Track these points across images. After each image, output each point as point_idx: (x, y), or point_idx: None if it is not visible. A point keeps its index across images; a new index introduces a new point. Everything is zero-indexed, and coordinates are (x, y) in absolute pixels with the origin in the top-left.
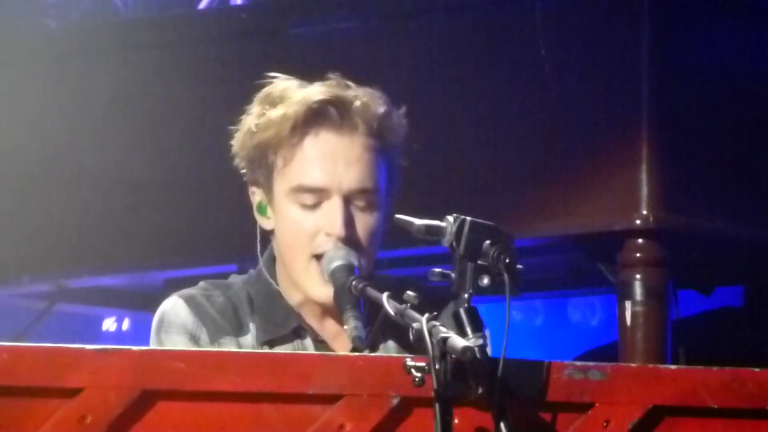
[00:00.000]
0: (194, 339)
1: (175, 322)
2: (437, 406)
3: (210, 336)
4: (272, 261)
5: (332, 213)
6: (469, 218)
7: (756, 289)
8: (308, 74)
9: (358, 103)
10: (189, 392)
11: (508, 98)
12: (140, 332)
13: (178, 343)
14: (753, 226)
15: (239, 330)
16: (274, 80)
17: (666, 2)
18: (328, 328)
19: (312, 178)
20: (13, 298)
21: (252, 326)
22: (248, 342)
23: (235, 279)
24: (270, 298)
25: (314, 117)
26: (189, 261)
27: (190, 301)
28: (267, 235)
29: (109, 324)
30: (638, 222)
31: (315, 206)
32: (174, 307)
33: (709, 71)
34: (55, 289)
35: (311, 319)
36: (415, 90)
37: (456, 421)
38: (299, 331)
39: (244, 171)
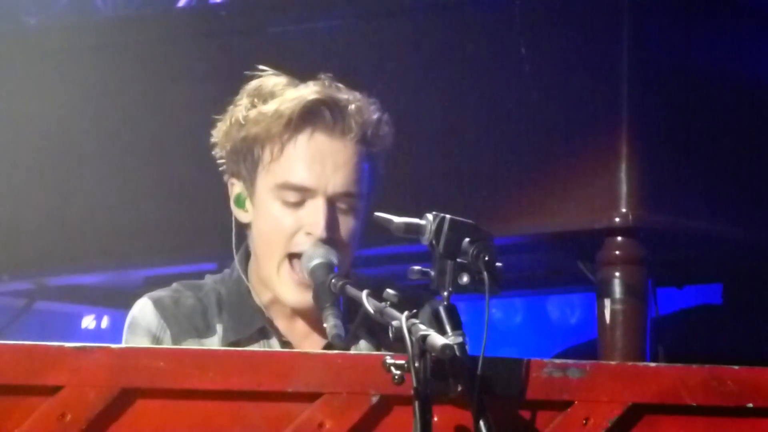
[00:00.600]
0: (157, 340)
1: (141, 324)
2: (417, 404)
3: (173, 338)
4: (246, 257)
5: (315, 214)
6: (448, 216)
7: (734, 286)
8: (288, 73)
9: (352, 107)
10: (168, 390)
11: (488, 97)
12: (119, 330)
13: (141, 344)
14: (732, 224)
15: (206, 331)
16: (263, 74)
17: (646, 0)
18: (296, 329)
19: (299, 177)
20: None
21: (219, 327)
22: (213, 343)
23: (209, 279)
24: (239, 297)
25: (308, 116)
26: (168, 259)
27: (157, 302)
28: (243, 230)
29: (88, 322)
30: (617, 220)
31: (298, 204)
32: (141, 308)
33: (690, 70)
34: (34, 287)
35: (280, 318)
36: (394, 89)
37: (435, 419)
38: (265, 331)
39: (222, 161)
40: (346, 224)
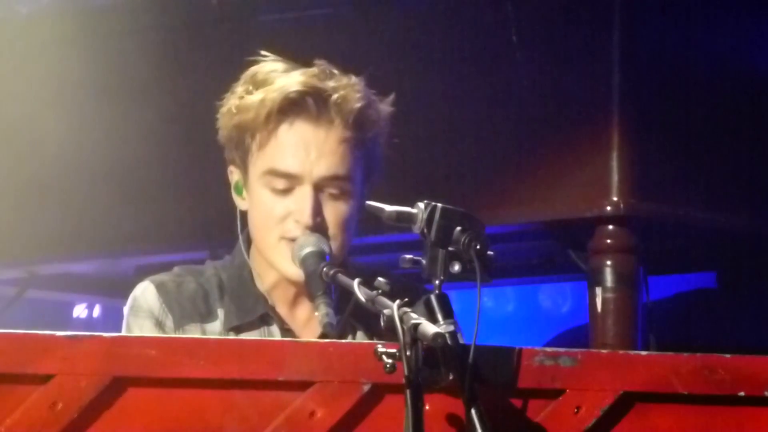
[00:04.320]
0: (160, 324)
1: (143, 307)
2: (408, 392)
3: (175, 322)
4: (249, 243)
5: (302, 201)
6: (440, 205)
7: (728, 274)
8: (286, 58)
9: (335, 96)
10: (160, 379)
11: (479, 85)
12: (111, 319)
13: (144, 327)
14: (724, 212)
15: (207, 316)
16: (263, 60)
17: None
18: (298, 316)
19: (284, 164)
20: None
21: (220, 312)
22: (215, 328)
23: (210, 264)
24: (241, 283)
25: (290, 106)
26: (160, 247)
27: (160, 286)
28: (245, 216)
29: (79, 311)
30: (609, 209)
31: (286, 191)
32: (144, 291)
33: (681, 58)
34: (26, 276)
35: (281, 305)
36: (386, 76)
37: (427, 407)
38: (266, 317)
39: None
40: (337, 210)
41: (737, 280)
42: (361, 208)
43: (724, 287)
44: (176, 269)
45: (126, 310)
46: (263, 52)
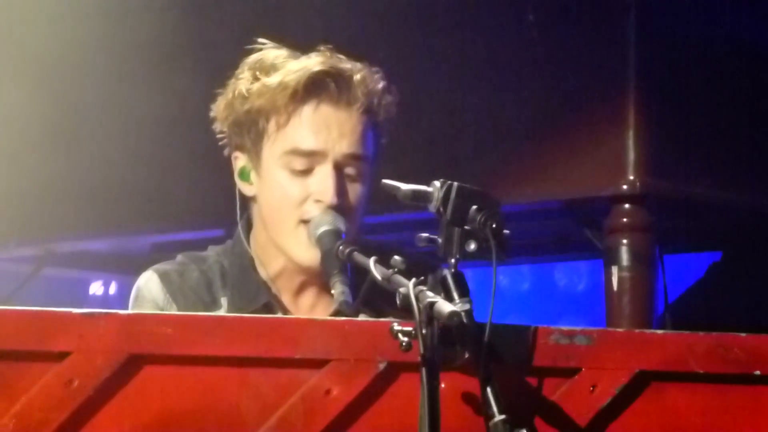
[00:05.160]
0: None
1: (147, 297)
2: (424, 370)
3: (179, 312)
4: (249, 229)
5: (324, 180)
6: (456, 183)
7: (734, 254)
8: (287, 44)
9: (357, 77)
10: (176, 356)
11: (495, 64)
12: (127, 296)
13: None
14: (739, 191)
15: (211, 305)
16: (263, 47)
17: None
18: (302, 304)
19: (307, 143)
20: None
21: (224, 300)
22: None
23: (212, 251)
24: (243, 271)
25: (313, 87)
26: (176, 225)
27: (163, 276)
28: (246, 202)
29: (96, 288)
30: (625, 187)
31: (305, 172)
32: (147, 282)
33: (697, 37)
34: (42, 253)
35: (285, 293)
36: (401, 56)
37: (442, 385)
38: (270, 306)
39: (223, 135)
40: (354, 190)
41: (746, 259)
42: (371, 189)
43: (729, 267)
44: (179, 257)
45: (130, 299)
46: (261, 40)
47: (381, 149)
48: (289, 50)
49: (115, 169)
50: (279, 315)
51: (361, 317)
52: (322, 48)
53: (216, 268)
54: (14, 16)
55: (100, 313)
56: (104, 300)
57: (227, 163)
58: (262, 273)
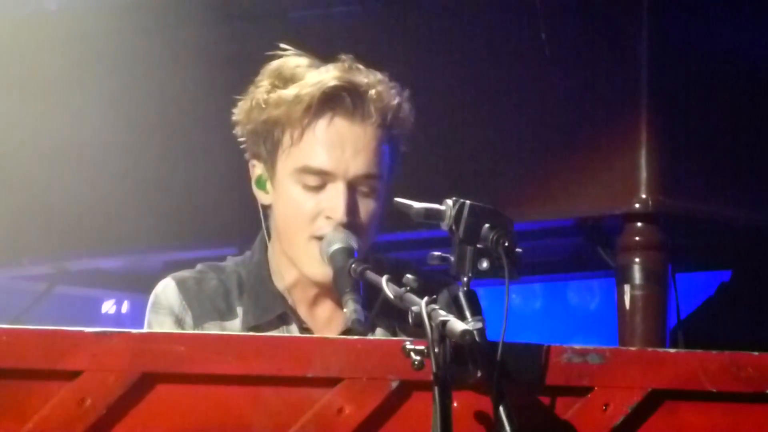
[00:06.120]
0: (179, 322)
1: (163, 304)
2: (436, 389)
3: (194, 320)
4: (266, 240)
5: (336, 198)
6: (468, 201)
7: (745, 272)
8: (309, 54)
9: (372, 92)
10: (188, 375)
11: (508, 81)
12: (139, 315)
13: (164, 323)
14: (751, 209)
15: (228, 314)
16: (284, 54)
17: None
18: (317, 315)
19: (319, 161)
20: (12, 280)
21: (240, 310)
22: (235, 326)
23: (231, 261)
24: (260, 281)
25: (328, 102)
26: (188, 244)
27: (181, 283)
28: (266, 211)
29: (108, 306)
30: (637, 206)
31: (318, 188)
32: (165, 288)
33: (709, 55)
34: (55, 272)
35: (301, 305)
36: (414, 74)
37: (455, 404)
38: (285, 317)
39: (243, 140)
40: (367, 207)
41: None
42: (385, 206)
43: (740, 286)
44: (199, 266)
45: (148, 305)
46: (283, 46)
47: (398, 161)
48: (310, 58)
49: (127, 187)
50: (293, 326)
51: (378, 331)
52: (342, 57)
53: (234, 278)
54: (21, 36)
55: (112, 332)
56: (117, 319)
57: (240, 182)
58: (279, 284)
